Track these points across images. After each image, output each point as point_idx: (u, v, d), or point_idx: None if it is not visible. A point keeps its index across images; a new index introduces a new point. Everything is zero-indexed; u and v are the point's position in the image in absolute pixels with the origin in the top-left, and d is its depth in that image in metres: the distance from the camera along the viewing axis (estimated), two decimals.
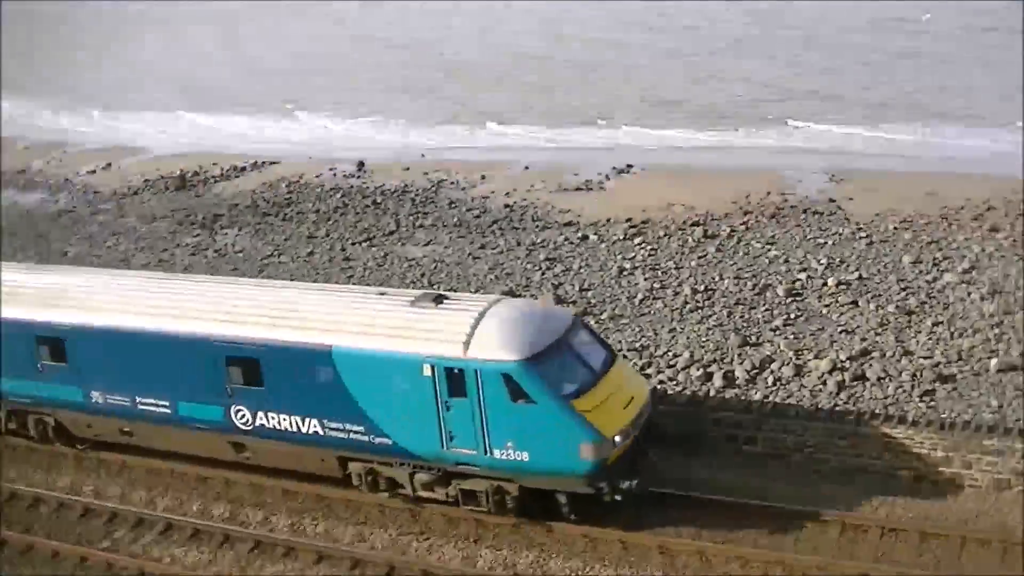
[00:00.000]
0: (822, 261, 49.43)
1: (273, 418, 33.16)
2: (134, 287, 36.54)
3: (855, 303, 44.36)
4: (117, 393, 35.66)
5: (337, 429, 32.18)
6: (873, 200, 59.14)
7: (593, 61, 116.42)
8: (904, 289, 45.68)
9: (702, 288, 46.89)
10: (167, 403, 34.80)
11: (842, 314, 43.38)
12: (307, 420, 32.61)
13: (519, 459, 29.70)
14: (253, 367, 32.80)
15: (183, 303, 34.55)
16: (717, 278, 48.14)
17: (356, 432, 31.88)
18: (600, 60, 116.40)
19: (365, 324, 31.36)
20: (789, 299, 45.27)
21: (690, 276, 48.67)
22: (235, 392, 33.43)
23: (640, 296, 46.35)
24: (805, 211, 58.14)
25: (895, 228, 54.03)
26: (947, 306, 43.73)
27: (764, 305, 44.71)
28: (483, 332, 29.92)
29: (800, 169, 67.74)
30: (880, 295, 45.12)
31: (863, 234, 53.37)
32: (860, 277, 47.22)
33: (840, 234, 53.68)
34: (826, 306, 44.32)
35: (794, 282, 47.01)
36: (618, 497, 30.06)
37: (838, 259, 49.78)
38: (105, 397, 35.96)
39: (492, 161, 75.56)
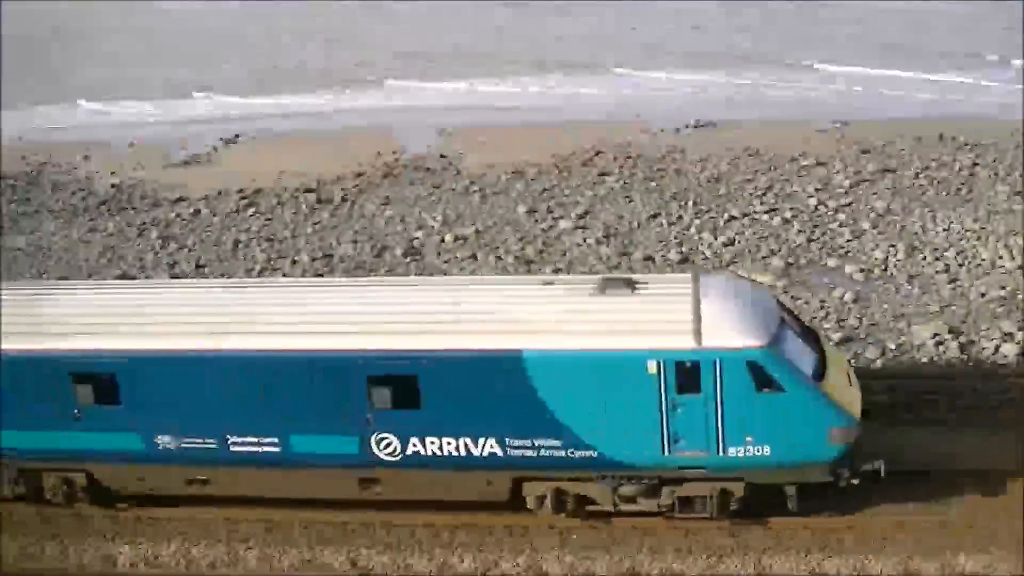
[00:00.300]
0: (438, 217, 49.34)
1: (432, 443, 27.52)
2: (217, 300, 29.47)
3: (474, 257, 44.43)
4: (198, 435, 28.46)
5: (522, 447, 27.17)
6: (484, 153, 59.49)
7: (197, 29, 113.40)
8: (521, 239, 46.04)
9: (320, 255, 46.03)
10: (275, 440, 28.15)
11: (462, 269, 43.29)
12: (481, 440, 27.29)
13: (759, 454, 26.31)
14: (408, 385, 27.01)
15: (297, 315, 28.15)
16: (335, 243, 47.39)
17: (548, 447, 27.00)
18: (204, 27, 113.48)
19: (558, 321, 26.59)
20: (408, 258, 44.96)
21: (307, 244, 47.73)
22: (379, 417, 27.43)
23: (258, 268, 45.11)
24: (417, 168, 57.91)
25: (507, 179, 54.40)
26: (565, 252, 44.30)
27: (384, 266, 44.21)
28: (712, 317, 26.12)
29: (409, 127, 67.45)
30: (499, 247, 45.32)
31: (476, 187, 53.58)
32: (477, 231, 47.34)
33: (454, 189, 53.75)
34: (445, 262, 44.20)
35: (412, 241, 46.76)
36: (855, 481, 27.10)
37: (454, 214, 49.81)
38: (179, 442, 28.57)
39: (94, 140, 72.24)
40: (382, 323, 27.19)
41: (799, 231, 46.13)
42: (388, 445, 27.56)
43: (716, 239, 45.36)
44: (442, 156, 59.93)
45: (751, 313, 26.52)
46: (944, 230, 46.16)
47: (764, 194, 50.86)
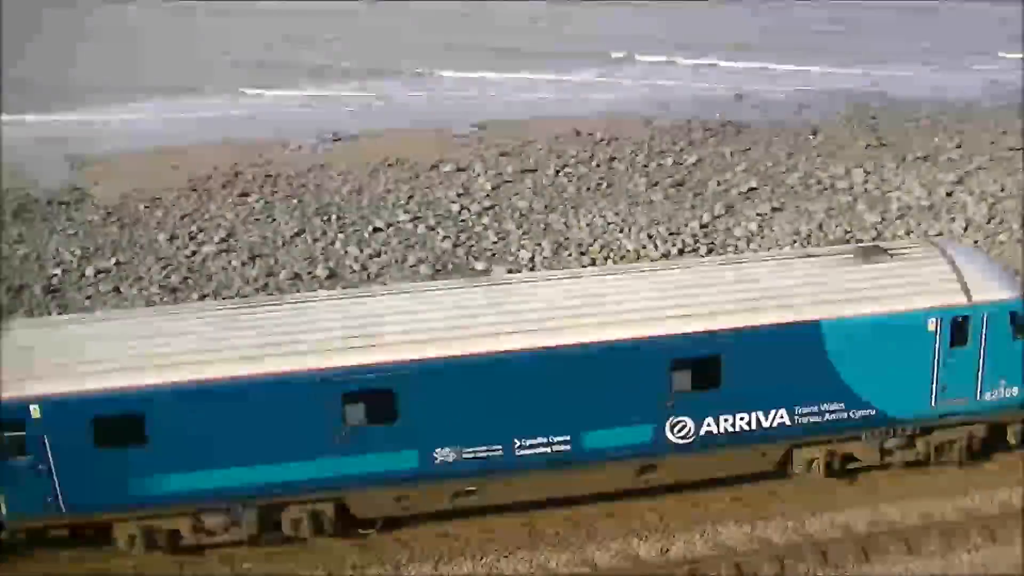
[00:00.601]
0: (76, 252, 47.15)
1: (726, 421, 28.36)
2: (482, 300, 28.07)
3: (117, 290, 42.71)
4: (482, 443, 27.56)
5: (809, 414, 28.66)
6: (119, 182, 57.27)
7: None
8: (165, 267, 44.54)
9: None
10: (565, 438, 27.69)
11: (106, 302, 41.53)
12: (772, 412, 28.52)
13: (1008, 396, 29.34)
14: (709, 365, 27.65)
15: (581, 306, 27.58)
16: None
17: (831, 411, 28.67)
18: None
19: (843, 290, 28.28)
20: (48, 296, 42.81)
21: None
22: (679, 401, 27.86)
23: None
24: (50, 203, 55.16)
25: (146, 207, 52.61)
26: (211, 277, 43.08)
27: (23, 306, 41.99)
28: (973, 276, 28.79)
29: (36, 160, 64.39)
30: (142, 277, 43.68)
31: (114, 218, 51.56)
32: (118, 263, 45.51)
33: (91, 221, 51.55)
34: (88, 297, 42.32)
35: (50, 278, 44.54)
36: None
37: (92, 247, 47.72)
38: (458, 453, 27.55)
39: None
40: (682, 307, 27.57)
41: (444, 237, 46.20)
42: (682, 429, 28.17)
43: (362, 252, 44.98)
44: (76, 188, 57.46)
45: (999, 270, 29.95)
46: (587, 224, 46.97)
47: (407, 203, 50.78)
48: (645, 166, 55.35)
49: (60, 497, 26.43)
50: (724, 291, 28.07)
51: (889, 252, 29.61)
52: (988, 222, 47.84)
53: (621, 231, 46.11)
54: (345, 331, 26.76)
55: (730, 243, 44.82)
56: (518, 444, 27.54)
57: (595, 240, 45.19)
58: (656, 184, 52.18)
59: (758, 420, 28.48)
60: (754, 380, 27.89)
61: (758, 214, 48.02)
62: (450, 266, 43.35)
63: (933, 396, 28.99)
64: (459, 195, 51.56)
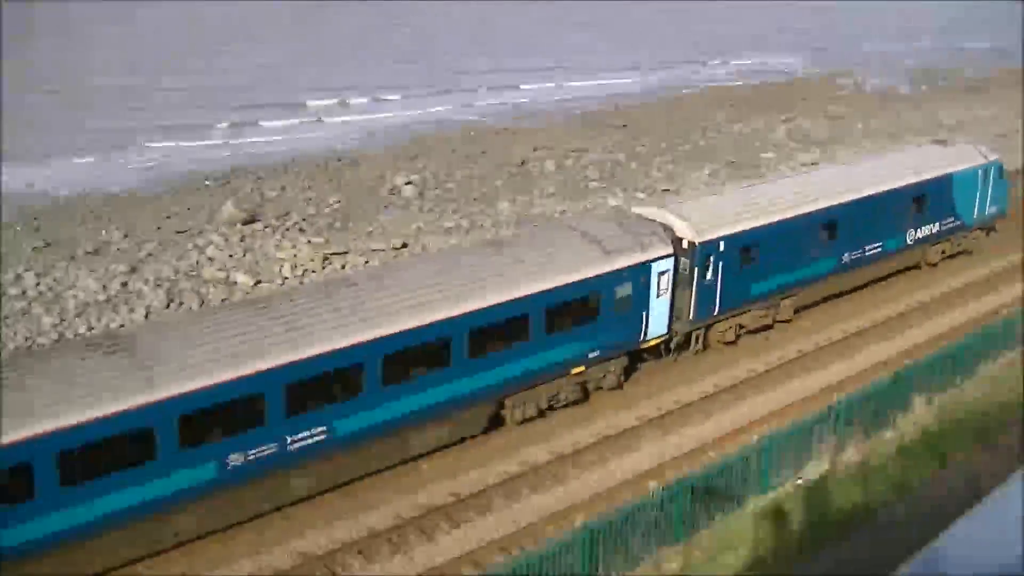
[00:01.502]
0: None
1: (922, 230, 52.90)
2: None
3: None
4: (857, 248, 49.35)
5: (942, 224, 53.97)
6: None
7: None
8: None
9: None
10: (880, 243, 50.74)
11: None
12: (936, 224, 53.49)
13: (995, 211, 57.65)
14: (922, 199, 52.17)
15: (882, 171, 51.87)
16: None
17: (949, 222, 54.58)
18: None
19: (947, 159, 54.44)
20: None
21: None
22: (913, 220, 52.17)
23: None
24: None
25: None
26: None
27: None
28: (984, 150, 56.90)
29: None
30: None
31: None
32: None
33: None
34: None
35: None
36: None
37: None
38: (850, 255, 49.33)
39: None
40: (908, 170, 51.73)
41: None
42: (911, 236, 52.36)
43: None
44: None
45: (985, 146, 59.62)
46: None
47: None
48: None
49: (718, 304, 43.47)
50: (911, 163, 52.87)
51: (946, 141, 58.31)
52: (167, 306, 48.40)
53: None
54: (826, 187, 48.16)
55: None
56: (867, 247, 49.81)
57: None
58: None
59: (930, 230, 53.09)
60: (932, 207, 52.56)
61: None
62: None
63: (976, 212, 55.89)
64: None
